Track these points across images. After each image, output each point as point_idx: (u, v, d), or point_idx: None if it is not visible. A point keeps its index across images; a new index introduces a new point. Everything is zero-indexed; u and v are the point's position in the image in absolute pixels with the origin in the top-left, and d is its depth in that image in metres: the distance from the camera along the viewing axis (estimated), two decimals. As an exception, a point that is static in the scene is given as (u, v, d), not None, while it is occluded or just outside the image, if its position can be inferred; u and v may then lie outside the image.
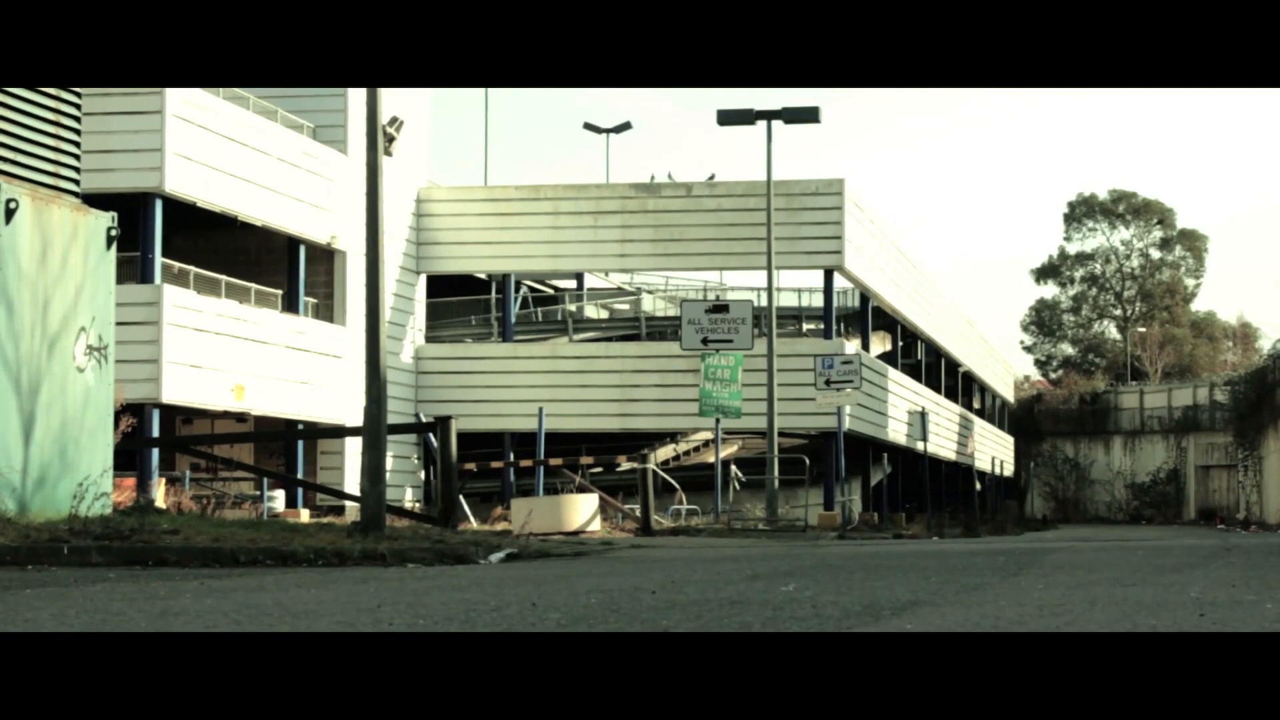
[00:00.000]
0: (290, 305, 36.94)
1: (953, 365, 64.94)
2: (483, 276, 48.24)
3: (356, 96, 37.24)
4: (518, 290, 48.17)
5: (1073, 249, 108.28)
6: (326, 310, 39.13)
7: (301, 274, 37.18)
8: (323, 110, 38.47)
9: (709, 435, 41.29)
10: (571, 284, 55.05)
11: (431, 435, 26.81)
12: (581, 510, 26.47)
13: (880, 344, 56.94)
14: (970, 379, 70.67)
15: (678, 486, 34.09)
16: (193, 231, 35.97)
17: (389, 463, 20.17)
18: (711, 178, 52.61)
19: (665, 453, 48.71)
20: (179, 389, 31.55)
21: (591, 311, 54.55)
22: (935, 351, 61.39)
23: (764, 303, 39.81)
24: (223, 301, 34.09)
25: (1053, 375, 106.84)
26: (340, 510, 32.42)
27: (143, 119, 31.58)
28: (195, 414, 35.74)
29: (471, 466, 32.61)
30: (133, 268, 30.57)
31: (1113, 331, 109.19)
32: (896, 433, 48.82)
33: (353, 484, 33.63)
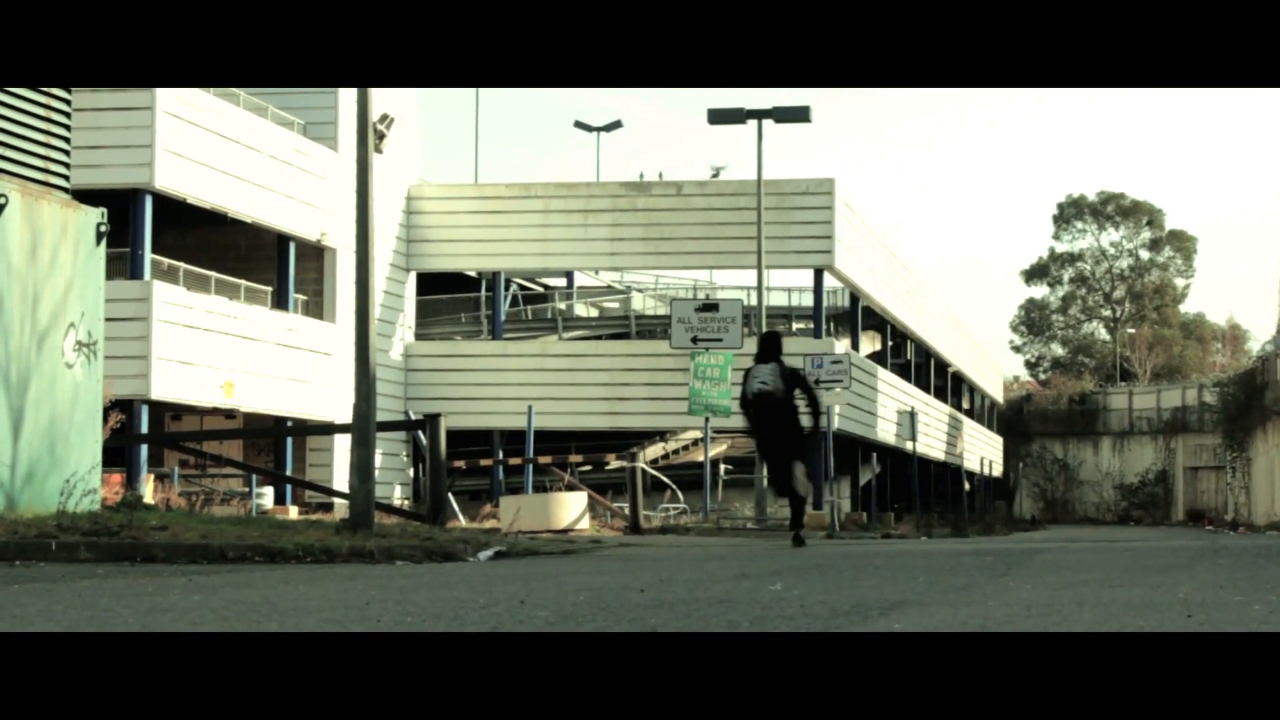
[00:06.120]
0: (280, 302, 36.92)
1: (942, 365, 65.02)
2: (473, 274, 48.25)
3: (347, 94, 37.21)
4: (508, 288, 48.17)
5: (1062, 249, 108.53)
6: (316, 307, 39.10)
7: (291, 271, 37.17)
8: (313, 107, 38.44)
9: (698, 434, 41.28)
10: (561, 282, 55.08)
11: (421, 433, 26.81)
12: (570, 508, 26.44)
13: (870, 344, 57.00)
14: (959, 379, 70.75)
15: (671, 485, 34.04)
16: (183, 228, 35.95)
17: (378, 460, 20.17)
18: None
19: (654, 451, 48.71)
20: (168, 385, 31.53)
21: (581, 310, 54.57)
22: (925, 351, 61.45)
23: (754, 302, 39.82)
24: (212, 298, 34.07)
25: (1042, 376, 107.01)
26: (329, 507, 32.40)
27: (133, 115, 31.55)
28: (184, 410, 35.72)
29: (460, 464, 32.62)
30: (122, 264, 30.56)
31: (1102, 332, 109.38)
32: (885, 432, 48.87)
33: (341, 481, 33.60)
